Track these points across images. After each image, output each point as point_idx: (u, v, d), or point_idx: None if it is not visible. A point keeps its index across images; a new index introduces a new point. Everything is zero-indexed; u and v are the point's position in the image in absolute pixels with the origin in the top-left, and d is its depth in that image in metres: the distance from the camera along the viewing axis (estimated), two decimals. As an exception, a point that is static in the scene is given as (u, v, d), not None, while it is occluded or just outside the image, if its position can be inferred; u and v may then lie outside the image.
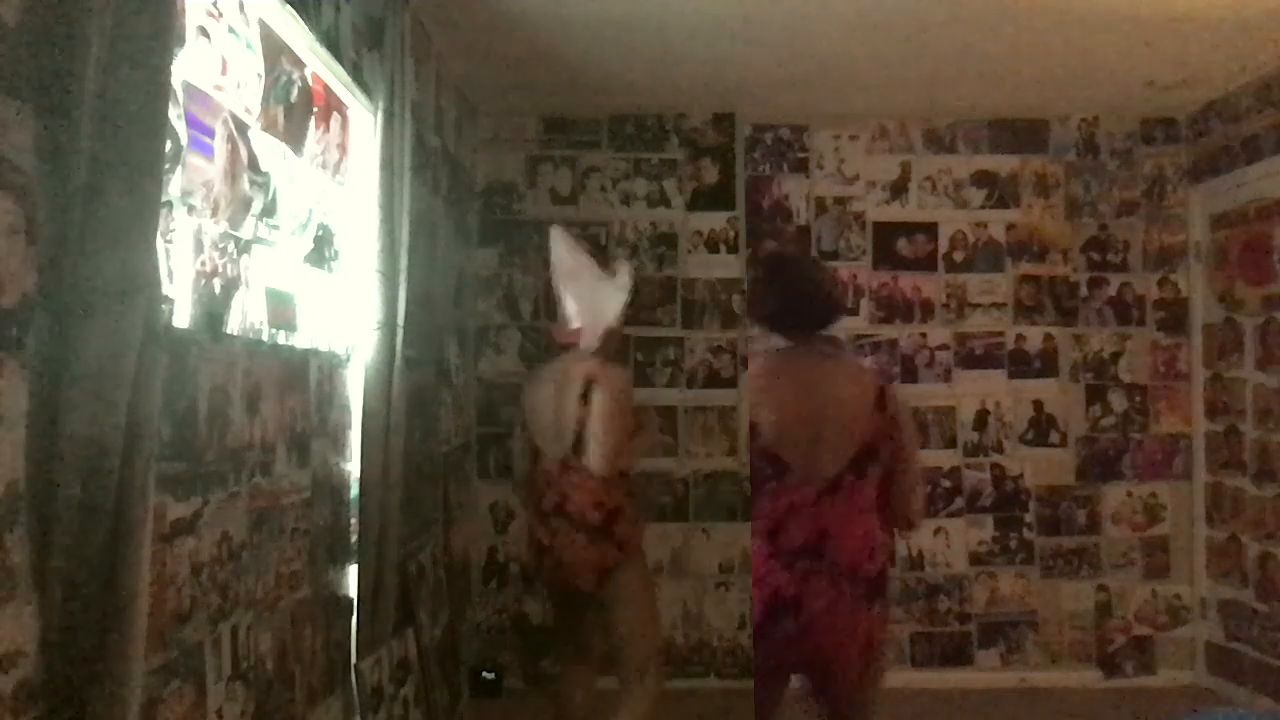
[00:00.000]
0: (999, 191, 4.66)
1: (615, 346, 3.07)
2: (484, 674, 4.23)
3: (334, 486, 2.54)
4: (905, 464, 2.37)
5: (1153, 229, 4.66)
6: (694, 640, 4.49)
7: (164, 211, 1.46)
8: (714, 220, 4.60)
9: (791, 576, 2.21)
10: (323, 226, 2.49)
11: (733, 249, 4.59)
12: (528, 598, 4.48)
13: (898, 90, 4.28)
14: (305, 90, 2.33)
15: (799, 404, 2.31)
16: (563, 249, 3.09)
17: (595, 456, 2.79)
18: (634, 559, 2.87)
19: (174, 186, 1.62)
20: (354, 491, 2.66)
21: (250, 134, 1.98)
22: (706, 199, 4.61)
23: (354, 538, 2.65)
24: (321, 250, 2.50)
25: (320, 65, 2.43)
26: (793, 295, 2.47)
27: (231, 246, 1.89)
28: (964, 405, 4.59)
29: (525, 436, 3.11)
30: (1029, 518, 4.59)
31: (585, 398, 2.84)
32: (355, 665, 2.59)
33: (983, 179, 4.67)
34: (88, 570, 1.25)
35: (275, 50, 2.13)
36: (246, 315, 1.96)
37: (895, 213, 4.65)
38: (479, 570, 4.47)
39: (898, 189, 4.66)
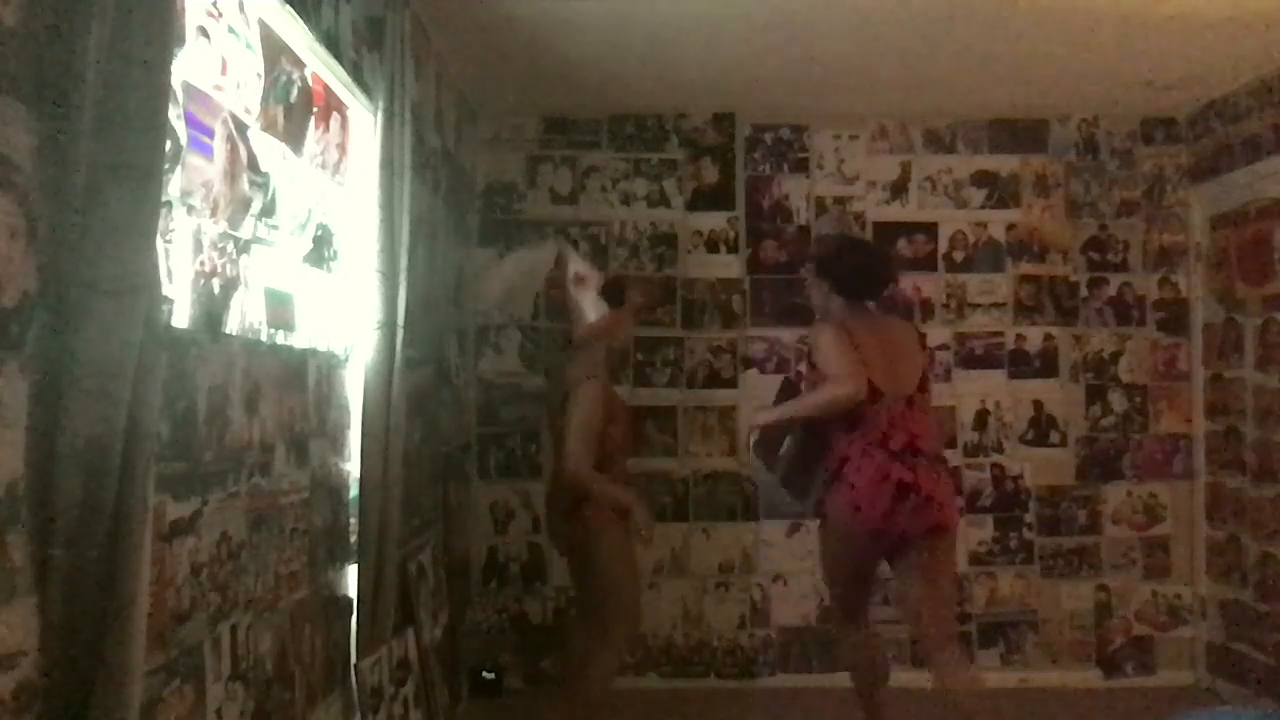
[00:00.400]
0: (999, 191, 4.66)
1: (604, 347, 3.39)
2: (484, 674, 4.23)
3: (333, 486, 2.54)
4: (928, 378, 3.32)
5: (1153, 229, 4.66)
6: (694, 640, 4.49)
7: (164, 211, 1.46)
8: (714, 220, 4.60)
9: (904, 467, 2.96)
10: (322, 226, 2.50)
11: (733, 249, 4.59)
12: (528, 598, 4.48)
13: (898, 90, 4.28)
14: (305, 90, 2.33)
15: (882, 347, 3.09)
16: (557, 259, 3.48)
17: (564, 459, 3.21)
18: (604, 538, 3.23)
19: (174, 186, 1.62)
20: (353, 491, 2.66)
21: (250, 134, 1.98)
22: (706, 199, 4.61)
23: (354, 538, 2.65)
24: (321, 250, 2.50)
25: (320, 65, 2.43)
26: (871, 267, 3.28)
27: (231, 246, 1.89)
28: (964, 405, 4.59)
29: None
30: (1029, 518, 4.58)
31: (564, 407, 3.24)
32: (355, 665, 2.59)
33: (983, 179, 4.66)
34: (88, 570, 1.25)
35: (275, 50, 2.13)
36: (245, 315, 1.96)
37: (895, 213, 4.64)
38: (479, 570, 4.47)
39: (898, 189, 4.65)
